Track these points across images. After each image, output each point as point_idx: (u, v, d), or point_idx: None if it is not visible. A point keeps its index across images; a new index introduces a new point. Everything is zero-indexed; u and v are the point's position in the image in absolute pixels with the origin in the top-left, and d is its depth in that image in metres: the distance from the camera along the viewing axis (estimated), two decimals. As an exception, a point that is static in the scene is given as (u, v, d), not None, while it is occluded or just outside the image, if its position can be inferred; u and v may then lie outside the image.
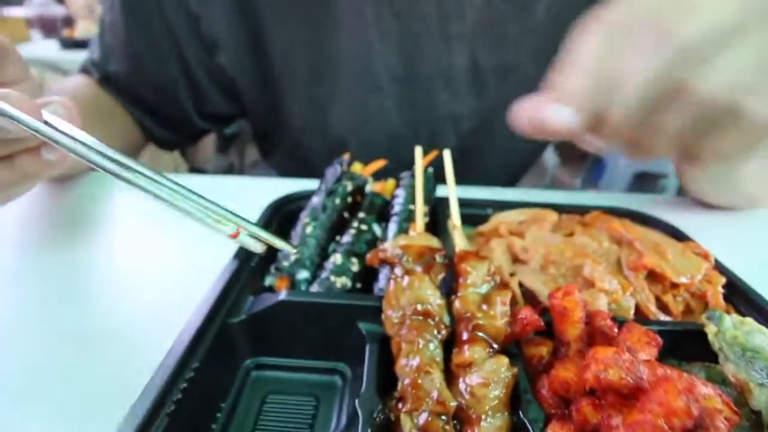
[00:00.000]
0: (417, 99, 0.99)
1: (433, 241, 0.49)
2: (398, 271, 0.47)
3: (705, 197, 0.87)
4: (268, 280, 0.60)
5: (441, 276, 0.47)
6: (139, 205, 0.89)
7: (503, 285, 0.48)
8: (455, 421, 0.39)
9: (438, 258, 0.48)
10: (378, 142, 1.01)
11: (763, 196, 0.86)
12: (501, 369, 0.40)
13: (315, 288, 0.57)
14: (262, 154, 1.25)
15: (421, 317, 0.43)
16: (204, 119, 1.06)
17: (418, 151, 0.60)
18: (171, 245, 0.76)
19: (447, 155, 0.59)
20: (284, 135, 1.07)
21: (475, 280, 0.46)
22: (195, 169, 2.86)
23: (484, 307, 0.44)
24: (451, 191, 0.56)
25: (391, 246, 0.49)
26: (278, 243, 0.44)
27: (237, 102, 1.05)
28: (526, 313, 0.44)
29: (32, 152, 0.52)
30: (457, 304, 0.45)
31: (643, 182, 2.95)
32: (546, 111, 0.44)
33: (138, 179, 0.41)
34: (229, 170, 3.25)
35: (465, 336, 0.44)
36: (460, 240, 0.52)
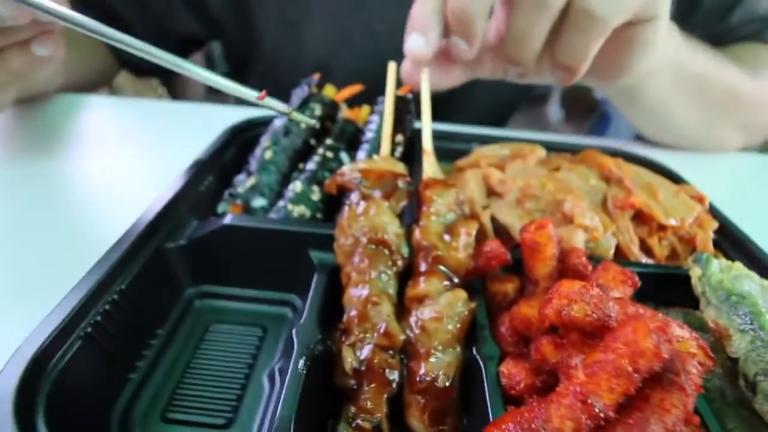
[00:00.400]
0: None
1: (397, 166, 0.44)
2: (354, 196, 0.42)
3: (647, 134, 0.88)
4: (221, 207, 0.55)
5: (402, 203, 0.42)
6: (103, 125, 0.84)
7: (471, 216, 0.43)
8: (402, 356, 0.36)
9: (401, 184, 0.42)
10: (362, 68, 0.92)
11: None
12: (457, 303, 0.36)
13: (271, 216, 0.52)
14: (238, 81, 1.17)
15: (375, 246, 0.38)
16: (174, 40, 0.98)
17: (391, 67, 0.53)
18: (134, 161, 0.72)
19: (425, 76, 0.51)
20: (257, 59, 0.98)
21: (440, 209, 0.41)
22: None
23: (447, 237, 0.40)
24: (426, 112, 0.50)
25: (349, 169, 0.44)
26: (307, 119, 0.46)
27: (206, 21, 0.95)
28: (492, 245, 0.40)
29: (22, 47, 0.49)
30: (417, 233, 0.40)
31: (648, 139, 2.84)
32: (406, 44, 0.45)
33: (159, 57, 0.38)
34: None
35: (423, 268, 0.39)
36: (429, 167, 0.46)
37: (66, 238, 0.55)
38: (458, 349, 0.35)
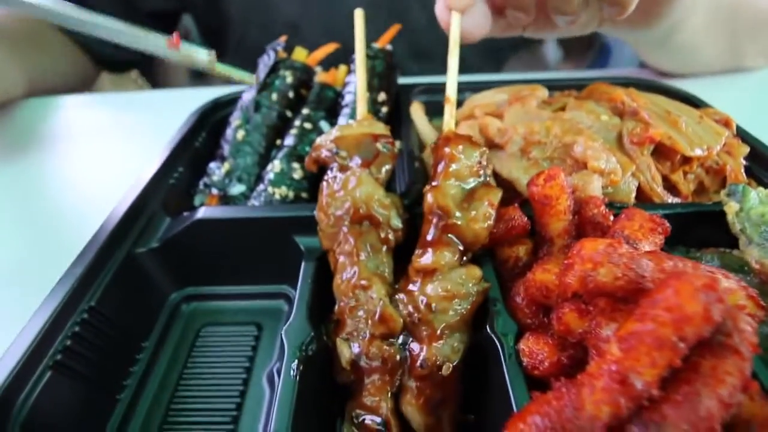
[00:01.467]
0: None
1: (375, 127, 0.38)
2: (332, 169, 0.37)
3: (669, 71, 0.82)
4: (197, 200, 0.50)
5: (387, 167, 0.37)
6: (74, 123, 0.79)
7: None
8: (404, 333, 0.31)
9: (381, 146, 0.37)
10: (336, 28, 0.85)
11: (723, 66, 0.80)
12: (469, 282, 0.31)
13: (252, 203, 0.48)
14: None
15: (359, 223, 0.34)
16: (146, 19, 0.91)
17: (358, 14, 0.46)
18: (107, 157, 0.69)
19: (456, 18, 0.42)
20: (228, 30, 0.92)
21: (461, 170, 0.35)
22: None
23: (465, 205, 0.34)
24: (453, 55, 0.41)
25: (324, 140, 0.38)
26: (238, 73, 0.38)
27: None
28: (514, 214, 0.34)
29: None
30: (429, 197, 0.34)
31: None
32: None
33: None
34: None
35: (430, 236, 0.34)
36: (450, 118, 0.40)
37: (34, 248, 0.51)
38: (466, 332, 0.31)
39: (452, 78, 0.41)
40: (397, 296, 0.32)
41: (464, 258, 0.34)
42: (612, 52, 3.09)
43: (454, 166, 0.35)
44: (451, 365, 0.29)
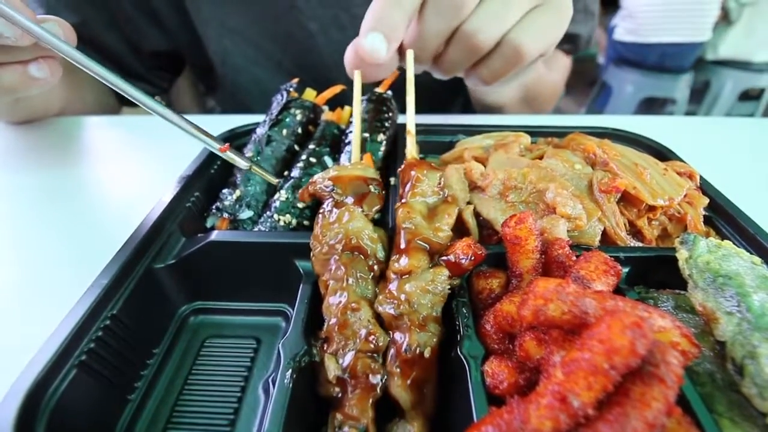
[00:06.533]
0: (341, 18, 0.91)
1: (369, 171, 0.43)
2: (327, 204, 0.42)
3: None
4: (210, 222, 0.55)
5: (375, 207, 0.42)
6: (96, 144, 0.86)
7: (452, 199, 0.44)
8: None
9: (372, 188, 0.42)
10: (310, 71, 0.93)
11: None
12: (438, 280, 0.36)
13: (259, 228, 0.53)
14: (208, 91, 1.21)
15: (350, 253, 0.39)
16: (150, 58, 1.00)
17: (357, 74, 0.52)
18: (130, 175, 0.75)
19: (410, 55, 0.51)
20: (214, 68, 1.00)
21: (425, 189, 0.41)
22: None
23: (430, 217, 0.41)
24: (410, 93, 0.51)
25: (321, 178, 0.43)
26: (267, 175, 0.50)
27: (167, 33, 0.97)
28: (471, 246, 0.39)
29: (18, 65, 0.51)
30: (400, 211, 0.40)
31: (650, 108, 2.80)
32: (365, 42, 0.46)
33: (145, 101, 0.45)
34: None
35: (403, 244, 0.39)
36: (411, 146, 0.46)
37: (63, 256, 0.56)
38: (438, 323, 0.36)
39: (410, 114, 0.49)
40: (378, 298, 0.37)
41: (433, 261, 0.39)
42: (613, 91, 3.21)
43: (419, 187, 0.42)
44: (430, 348, 0.34)
